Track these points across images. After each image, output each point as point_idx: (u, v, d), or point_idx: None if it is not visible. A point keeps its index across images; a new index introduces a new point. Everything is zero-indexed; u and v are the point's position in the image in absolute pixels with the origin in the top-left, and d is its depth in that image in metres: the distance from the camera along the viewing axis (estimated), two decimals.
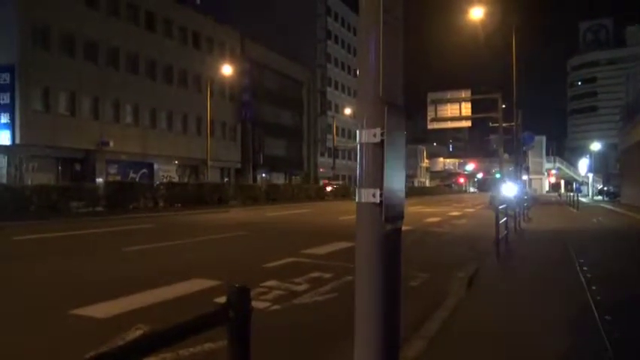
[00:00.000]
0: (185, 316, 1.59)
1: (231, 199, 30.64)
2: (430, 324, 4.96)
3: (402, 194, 2.15)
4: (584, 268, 8.23)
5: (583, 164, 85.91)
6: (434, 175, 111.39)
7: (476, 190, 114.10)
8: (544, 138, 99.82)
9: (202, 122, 40.03)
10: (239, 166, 47.91)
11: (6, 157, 27.77)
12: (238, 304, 1.65)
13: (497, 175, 32.73)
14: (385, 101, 1.97)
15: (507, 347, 4.46)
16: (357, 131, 2.03)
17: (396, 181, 2.04)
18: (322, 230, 15.49)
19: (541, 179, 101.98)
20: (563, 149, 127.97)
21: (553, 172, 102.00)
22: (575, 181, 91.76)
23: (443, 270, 8.27)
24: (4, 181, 26.00)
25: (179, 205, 26.09)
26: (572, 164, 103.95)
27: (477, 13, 21.46)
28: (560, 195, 66.09)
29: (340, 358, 3.99)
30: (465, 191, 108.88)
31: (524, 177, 32.83)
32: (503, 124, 24.67)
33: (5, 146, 27.53)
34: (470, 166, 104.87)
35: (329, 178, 58.72)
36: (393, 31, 2.07)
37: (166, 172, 39.09)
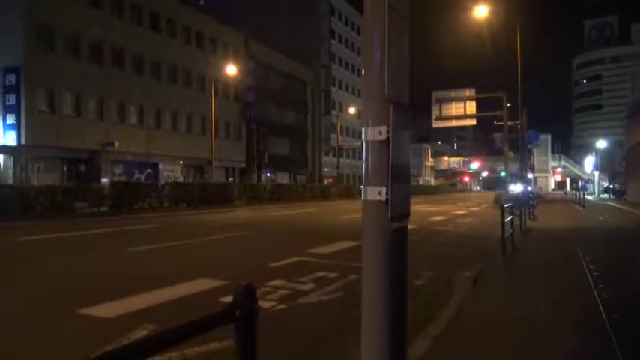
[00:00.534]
0: (191, 315, 1.59)
1: (236, 199, 30.68)
2: (435, 323, 4.95)
3: (408, 192, 2.14)
4: (591, 267, 8.20)
5: (588, 162, 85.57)
6: (438, 173, 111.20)
7: (480, 189, 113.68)
8: (549, 136, 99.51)
9: (207, 122, 40.10)
10: (243, 165, 47.97)
11: (12, 158, 27.91)
12: (245, 302, 1.64)
13: (502, 174, 32.64)
14: (391, 99, 1.97)
15: (513, 346, 4.44)
16: (363, 129, 2.02)
17: (401, 179, 2.03)
18: (327, 229, 15.48)
19: (546, 177, 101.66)
20: (569, 147, 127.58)
21: (558, 170, 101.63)
22: (581, 179, 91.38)
23: (448, 269, 8.24)
24: (10, 181, 26.13)
25: (184, 205, 26.14)
26: (578, 162, 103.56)
27: (481, 12, 21.42)
28: (565, 193, 65.87)
29: (347, 357, 3.99)
30: (470, 190, 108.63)
31: (530, 175, 32.75)
32: (508, 123, 24.62)
33: (11, 147, 27.66)
34: (474, 165, 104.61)
35: (333, 178, 58.73)
36: (399, 28, 2.06)
37: (171, 172, 39.18)
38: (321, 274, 7.62)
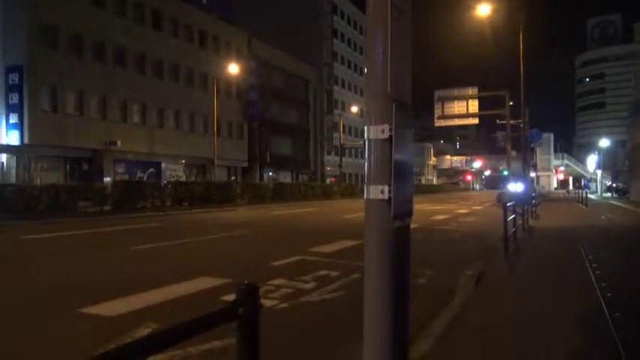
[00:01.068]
0: (194, 314, 1.60)
1: (238, 198, 30.70)
2: (438, 322, 4.95)
3: (411, 191, 2.14)
4: (594, 265, 8.18)
5: (591, 161, 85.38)
6: (441, 172, 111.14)
7: (482, 187, 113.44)
8: (552, 135, 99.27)
9: (209, 121, 40.15)
10: (246, 164, 48.00)
11: (15, 157, 27.99)
12: (247, 301, 1.65)
13: (505, 173, 32.59)
14: (393, 98, 1.97)
15: (515, 345, 4.44)
16: (365, 128, 2.02)
17: (404, 177, 2.03)
18: (329, 228, 15.48)
19: (549, 176, 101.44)
20: (572, 146, 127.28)
21: (561, 169, 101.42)
22: (584, 177, 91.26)
23: (451, 267, 8.24)
24: (14, 180, 26.21)
25: (186, 204, 26.18)
26: (581, 161, 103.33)
27: (484, 10, 21.37)
28: (568, 192, 65.75)
29: (349, 355, 3.99)
30: (472, 189, 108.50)
31: (532, 174, 32.69)
32: (511, 121, 24.57)
33: (14, 146, 27.74)
34: (477, 164, 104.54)
35: (335, 177, 58.72)
36: (402, 28, 2.06)
37: (174, 171, 39.25)
38: (323, 272, 7.62)
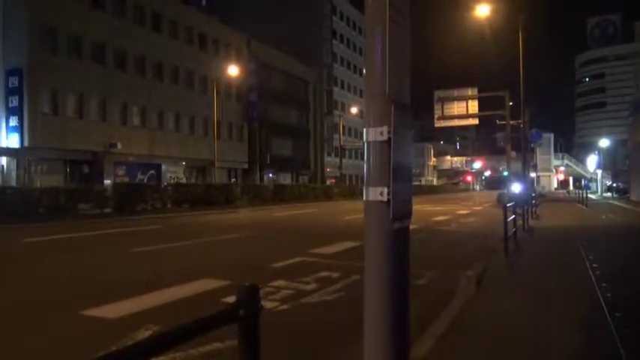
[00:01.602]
0: (195, 316, 1.60)
1: (239, 200, 30.71)
2: (439, 322, 4.95)
3: (410, 192, 2.14)
4: (594, 265, 8.19)
5: (591, 161, 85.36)
6: (441, 173, 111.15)
7: (483, 188, 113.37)
8: (552, 135, 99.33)
9: (209, 123, 40.17)
10: (246, 166, 48.00)
11: (15, 160, 28.00)
12: (248, 302, 1.66)
13: (505, 173, 32.60)
14: (392, 99, 1.97)
15: (516, 347, 4.44)
16: (364, 129, 2.03)
17: (403, 179, 2.04)
18: (329, 230, 15.49)
19: (549, 176, 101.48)
20: (572, 146, 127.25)
21: (561, 169, 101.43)
22: (584, 177, 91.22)
23: (451, 268, 8.24)
24: (14, 183, 26.22)
25: (187, 206, 26.18)
26: (581, 161, 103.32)
27: (483, 11, 21.38)
28: (568, 192, 65.73)
29: (350, 357, 3.99)
30: (473, 189, 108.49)
31: (533, 174, 32.69)
32: (511, 122, 24.56)
33: (14, 149, 27.74)
34: (477, 164, 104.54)
35: (335, 178, 58.71)
36: (400, 28, 2.07)
37: (174, 173, 39.25)
38: (324, 274, 7.63)
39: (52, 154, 29.20)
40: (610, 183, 69.38)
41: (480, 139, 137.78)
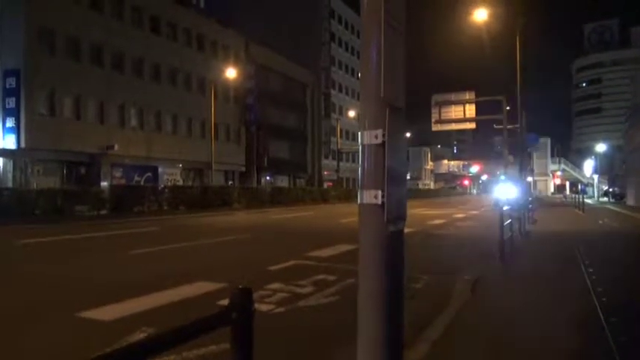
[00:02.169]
0: (190, 318, 1.60)
1: (236, 202, 30.69)
2: (434, 327, 4.95)
3: (404, 195, 2.15)
4: (590, 270, 8.20)
5: (588, 166, 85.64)
6: (438, 177, 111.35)
7: (480, 192, 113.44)
8: (549, 139, 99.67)
9: (207, 125, 40.13)
10: (243, 169, 47.98)
11: (11, 161, 27.93)
12: (241, 305, 1.65)
13: (502, 177, 32.65)
14: (387, 103, 1.98)
15: (511, 352, 4.44)
16: (359, 133, 2.04)
17: (397, 182, 2.04)
18: (326, 233, 15.48)
19: (546, 181, 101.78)
20: (569, 151, 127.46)
21: (558, 173, 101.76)
22: (581, 182, 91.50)
23: (447, 272, 8.24)
24: (10, 184, 26.15)
25: (183, 208, 26.16)
26: (578, 166, 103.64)
27: (480, 15, 21.44)
28: (565, 197, 65.84)
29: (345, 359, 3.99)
30: (470, 193, 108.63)
31: (529, 179, 32.74)
32: (508, 126, 24.60)
33: (11, 150, 27.68)
34: (474, 168, 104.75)
35: (333, 181, 58.73)
36: (395, 33, 2.08)
37: (171, 175, 39.21)
38: (320, 277, 7.62)
39: (48, 155, 29.13)
40: (606, 188, 69.58)
41: (477, 143, 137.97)
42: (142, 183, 34.83)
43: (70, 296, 6.43)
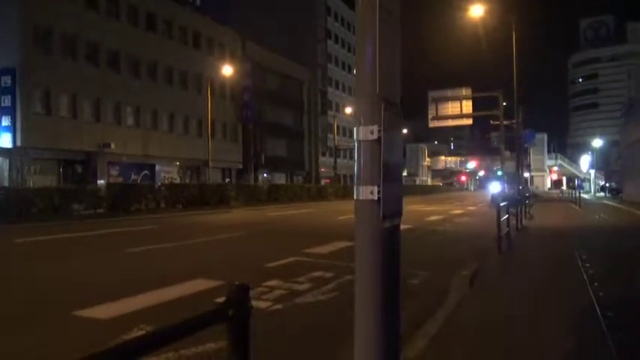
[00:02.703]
0: (187, 316, 1.59)
1: (233, 200, 30.65)
2: (432, 322, 4.96)
3: (400, 191, 2.15)
4: (587, 265, 8.23)
5: (585, 161, 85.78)
6: (435, 173, 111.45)
7: (477, 188, 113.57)
8: (545, 135, 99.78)
9: (203, 123, 40.08)
10: (240, 166, 47.93)
11: (7, 160, 27.83)
12: (238, 302, 1.65)
13: (499, 173, 32.72)
14: (382, 98, 1.98)
15: (510, 346, 4.46)
16: (355, 129, 2.03)
17: (393, 177, 2.04)
18: (324, 230, 15.50)
19: (543, 176, 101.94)
20: (565, 146, 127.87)
21: (555, 169, 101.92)
22: (577, 178, 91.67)
23: (445, 268, 8.26)
24: (6, 183, 26.06)
25: (181, 206, 26.11)
26: (574, 161, 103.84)
27: (476, 11, 21.46)
28: (562, 192, 66.01)
29: (342, 356, 4.00)
30: (467, 189, 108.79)
31: (526, 174, 32.82)
32: (505, 122, 24.63)
33: (7, 149, 27.58)
34: (471, 164, 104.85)
35: (330, 178, 58.72)
36: (390, 28, 2.08)
37: (168, 173, 39.14)
38: (317, 274, 7.63)
39: (45, 154, 29.04)
40: (603, 183, 69.77)
41: (474, 139, 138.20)
42: (138, 181, 34.77)
43: (67, 295, 6.42)
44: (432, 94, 25.39)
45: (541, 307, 5.76)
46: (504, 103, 24.83)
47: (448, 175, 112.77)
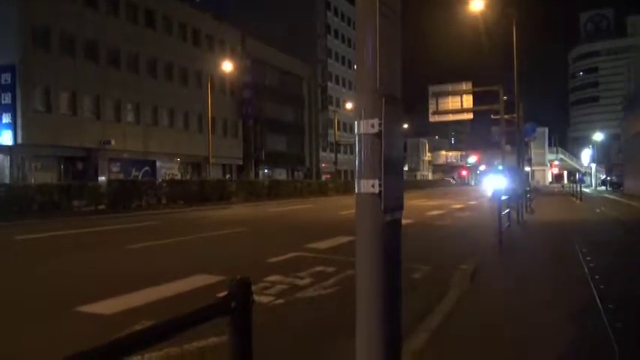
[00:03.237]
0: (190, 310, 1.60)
1: (234, 196, 30.67)
2: (433, 316, 4.97)
3: (401, 184, 2.15)
4: (588, 258, 8.24)
5: (585, 155, 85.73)
6: (436, 168, 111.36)
7: (477, 182, 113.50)
8: (546, 129, 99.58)
9: (204, 119, 40.07)
10: (241, 162, 47.94)
11: (8, 157, 27.85)
12: (239, 295, 1.66)
13: (500, 168, 32.69)
14: (383, 92, 1.98)
15: (511, 339, 4.47)
16: (355, 122, 2.04)
17: (394, 171, 2.04)
18: (324, 225, 15.51)
19: (544, 170, 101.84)
20: (566, 140, 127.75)
21: (556, 163, 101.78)
22: (578, 171, 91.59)
23: (446, 262, 8.28)
24: (7, 180, 26.09)
25: (181, 202, 26.13)
26: (575, 155, 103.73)
27: (477, 5, 21.39)
28: (563, 186, 65.98)
29: (343, 350, 4.01)
30: (468, 184, 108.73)
31: (527, 168, 32.79)
32: (505, 116, 24.57)
33: (7, 146, 27.61)
34: (472, 159, 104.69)
35: (331, 173, 58.72)
36: (391, 22, 2.08)
37: (169, 169, 39.17)
38: (319, 269, 7.64)
39: (45, 151, 29.07)
40: (604, 177, 69.71)
41: (474, 133, 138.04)
42: (139, 177, 34.78)
43: (69, 291, 6.44)
44: (432, 88, 25.31)
45: (542, 300, 5.77)
46: (505, 98, 24.76)
47: (449, 169, 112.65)
